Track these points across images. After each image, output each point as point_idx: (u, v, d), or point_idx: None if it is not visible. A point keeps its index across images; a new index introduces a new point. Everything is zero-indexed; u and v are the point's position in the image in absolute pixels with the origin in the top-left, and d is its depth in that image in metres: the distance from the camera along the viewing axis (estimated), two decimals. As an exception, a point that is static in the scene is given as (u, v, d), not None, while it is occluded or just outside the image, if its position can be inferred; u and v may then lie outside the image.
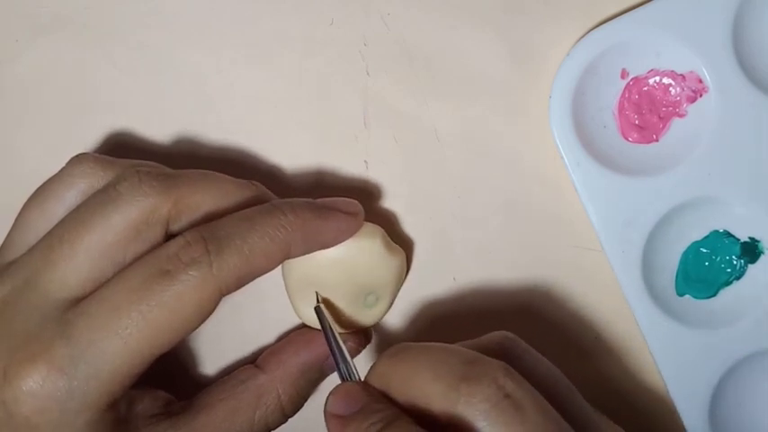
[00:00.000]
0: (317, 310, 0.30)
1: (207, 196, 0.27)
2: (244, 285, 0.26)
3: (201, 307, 0.25)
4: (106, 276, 0.26)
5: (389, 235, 0.31)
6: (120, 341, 0.25)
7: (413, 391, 0.25)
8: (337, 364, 0.28)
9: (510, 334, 0.29)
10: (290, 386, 0.30)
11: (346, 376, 0.28)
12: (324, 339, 0.30)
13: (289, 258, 0.28)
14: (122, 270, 0.26)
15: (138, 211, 0.26)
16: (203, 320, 0.26)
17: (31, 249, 0.27)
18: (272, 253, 0.26)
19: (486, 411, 0.24)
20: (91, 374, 0.25)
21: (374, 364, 0.27)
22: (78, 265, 0.26)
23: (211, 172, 0.29)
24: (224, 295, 0.26)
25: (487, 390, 0.24)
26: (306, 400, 0.31)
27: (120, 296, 0.25)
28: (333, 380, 0.30)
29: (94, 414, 0.25)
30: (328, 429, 0.26)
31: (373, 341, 0.33)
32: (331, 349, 0.29)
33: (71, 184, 0.28)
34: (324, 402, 0.27)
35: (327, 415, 0.26)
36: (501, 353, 0.27)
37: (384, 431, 0.24)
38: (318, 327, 0.30)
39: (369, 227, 0.30)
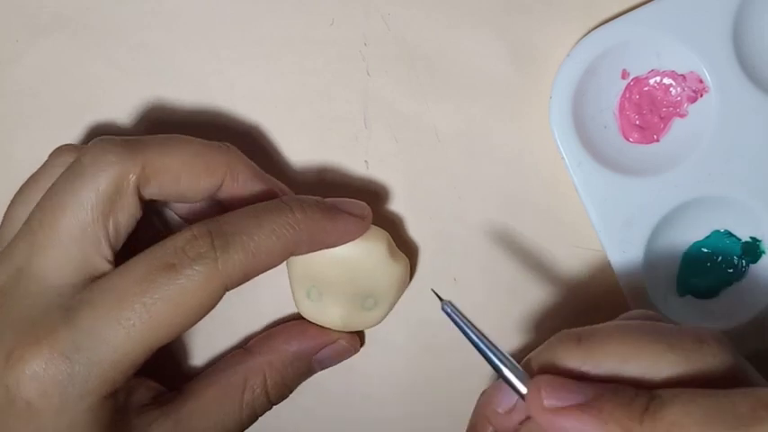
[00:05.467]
0: (447, 307, 0.26)
1: (175, 158, 0.27)
2: (248, 281, 0.26)
3: (205, 301, 0.25)
4: (100, 253, 0.26)
5: (394, 239, 0.31)
6: (123, 332, 0.25)
7: (644, 365, 0.23)
8: (492, 359, 0.25)
9: (650, 312, 0.28)
10: (277, 372, 0.30)
11: (506, 370, 0.24)
12: (318, 334, 0.30)
13: (293, 255, 0.28)
14: (129, 261, 0.26)
15: (105, 180, 0.26)
16: (206, 314, 0.26)
17: (15, 237, 0.27)
18: (277, 251, 0.26)
19: (730, 361, 0.24)
20: (93, 362, 0.25)
21: (556, 355, 0.24)
22: (65, 249, 0.26)
23: (179, 135, 0.28)
24: (228, 290, 0.26)
25: (718, 345, 0.24)
26: (291, 391, 0.31)
27: (125, 287, 0.25)
28: (331, 376, 0.30)
29: (95, 400, 0.25)
30: (554, 425, 0.23)
31: (375, 343, 0.33)
32: (483, 344, 0.25)
33: (53, 174, 0.28)
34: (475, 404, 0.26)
35: (546, 412, 0.23)
36: None
37: (665, 407, 0.22)
38: (315, 322, 0.30)
39: (376, 231, 0.30)
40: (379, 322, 0.31)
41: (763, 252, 0.32)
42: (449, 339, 0.33)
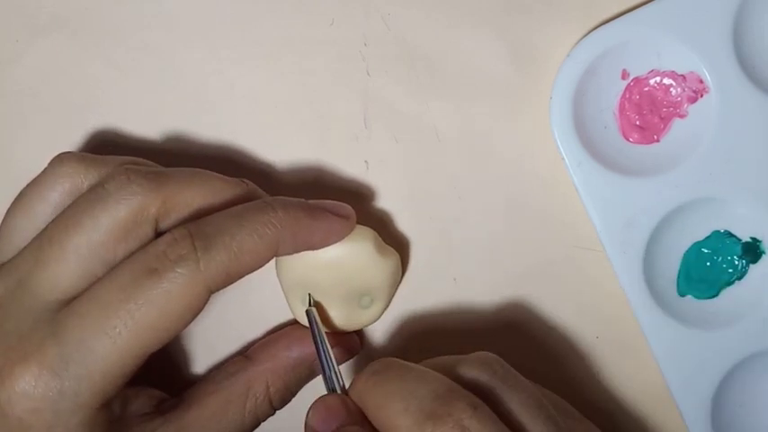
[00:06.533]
0: (308, 313, 0.29)
1: (196, 194, 0.27)
2: (233, 282, 0.26)
3: (190, 304, 0.25)
4: (97, 276, 0.26)
5: (389, 236, 0.31)
6: (108, 340, 0.25)
7: (384, 418, 0.25)
8: (323, 370, 0.28)
9: (492, 356, 0.28)
10: (279, 379, 0.30)
11: (330, 384, 0.28)
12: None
13: (277, 256, 0.27)
14: (113, 269, 0.26)
15: (126, 209, 0.26)
16: (193, 318, 0.26)
17: (22, 251, 0.27)
18: (260, 250, 0.26)
19: None
20: (82, 374, 0.24)
21: (357, 378, 0.27)
22: (68, 265, 0.26)
23: (201, 170, 0.28)
24: (212, 292, 0.26)
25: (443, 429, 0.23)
26: (294, 395, 0.31)
27: (109, 295, 0.25)
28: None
29: (87, 414, 0.25)
30: None
31: (374, 342, 0.33)
32: (318, 353, 0.28)
33: (54, 183, 0.28)
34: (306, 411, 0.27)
35: (307, 428, 0.26)
36: (480, 380, 0.27)
37: None
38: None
39: (361, 229, 0.30)
40: (378, 318, 0.31)
41: (763, 252, 0.32)
42: (449, 340, 0.33)
